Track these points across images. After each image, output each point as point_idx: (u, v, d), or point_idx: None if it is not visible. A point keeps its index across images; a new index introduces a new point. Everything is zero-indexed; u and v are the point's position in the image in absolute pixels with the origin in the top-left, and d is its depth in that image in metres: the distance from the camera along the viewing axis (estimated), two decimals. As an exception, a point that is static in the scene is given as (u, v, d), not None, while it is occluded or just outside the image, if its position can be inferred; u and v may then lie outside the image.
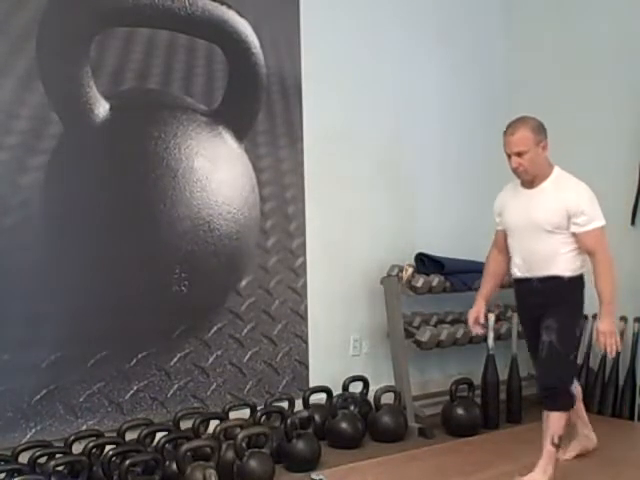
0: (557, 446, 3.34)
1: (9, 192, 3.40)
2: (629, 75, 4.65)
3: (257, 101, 4.12)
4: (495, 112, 5.13)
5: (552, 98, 5.01)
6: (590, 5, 4.84)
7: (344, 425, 3.97)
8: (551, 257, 3.36)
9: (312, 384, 4.25)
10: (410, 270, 4.41)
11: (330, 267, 4.43)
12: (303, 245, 4.28)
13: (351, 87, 4.51)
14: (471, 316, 3.63)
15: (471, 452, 3.93)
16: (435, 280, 4.51)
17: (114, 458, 3.24)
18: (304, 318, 4.29)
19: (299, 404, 4.03)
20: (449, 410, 4.28)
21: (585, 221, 3.29)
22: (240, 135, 4.05)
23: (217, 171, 3.96)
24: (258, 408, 3.88)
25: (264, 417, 3.84)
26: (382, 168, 4.66)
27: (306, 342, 4.30)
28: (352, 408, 4.07)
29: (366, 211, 4.60)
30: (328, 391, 4.14)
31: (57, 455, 3.22)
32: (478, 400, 4.41)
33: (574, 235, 3.32)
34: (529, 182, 3.40)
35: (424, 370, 4.78)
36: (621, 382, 4.56)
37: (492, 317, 4.51)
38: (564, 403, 3.37)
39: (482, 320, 3.64)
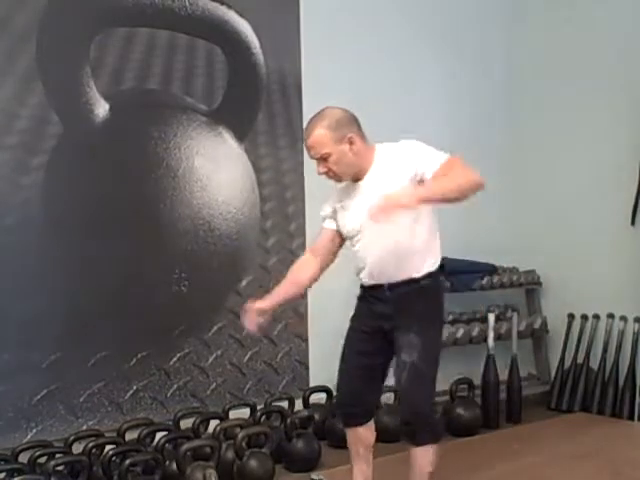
0: None
1: (9, 192, 3.41)
2: (629, 75, 4.65)
3: (257, 101, 4.12)
4: (495, 112, 5.16)
5: (552, 98, 5.02)
6: (590, 5, 4.84)
7: (344, 425, 3.97)
8: (405, 255, 2.82)
9: (312, 384, 4.25)
10: (410, 270, 4.40)
11: (330, 267, 4.42)
12: (303, 245, 4.27)
13: (351, 87, 4.50)
14: (247, 307, 2.94)
15: (471, 452, 3.93)
16: (435, 280, 4.50)
17: (114, 458, 3.24)
18: (304, 318, 4.29)
19: (299, 404, 4.03)
20: (449, 410, 4.28)
21: (432, 160, 2.77)
22: (240, 135, 4.05)
23: (217, 171, 3.96)
24: (258, 408, 3.87)
25: (264, 417, 3.83)
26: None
27: (306, 342, 4.30)
28: (352, 408, 4.07)
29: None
30: (328, 391, 4.13)
31: (57, 455, 3.22)
32: (478, 400, 4.41)
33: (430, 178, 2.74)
34: (355, 177, 2.86)
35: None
36: (621, 382, 4.56)
37: (492, 317, 4.52)
38: (434, 434, 2.89)
39: (256, 318, 2.92)
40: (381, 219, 2.58)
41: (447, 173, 2.76)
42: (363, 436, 3.02)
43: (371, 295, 2.93)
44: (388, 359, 2.99)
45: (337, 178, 2.85)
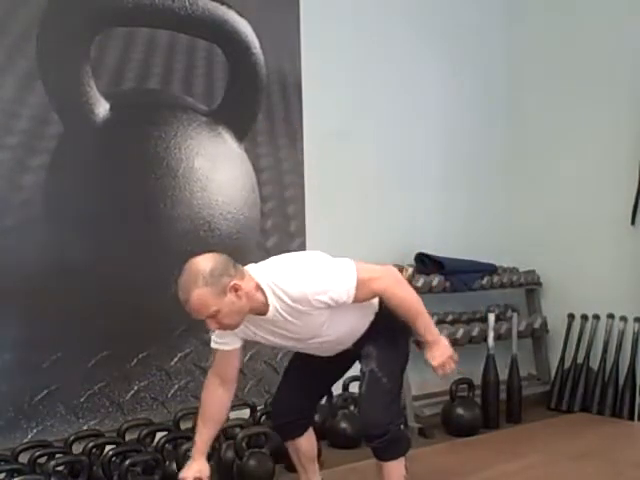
0: None
1: (10, 192, 3.40)
2: (629, 75, 4.65)
3: (257, 101, 4.12)
4: (495, 112, 5.16)
5: (552, 98, 5.02)
6: (591, 5, 4.84)
7: (344, 425, 3.97)
8: (349, 334, 2.74)
9: (312, 384, 4.24)
10: (410, 270, 4.41)
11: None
12: (303, 245, 4.28)
13: (351, 86, 4.51)
14: (190, 477, 2.67)
15: (471, 452, 3.93)
16: (435, 280, 4.51)
17: (114, 458, 3.24)
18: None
19: (299, 404, 4.02)
20: (449, 410, 4.28)
21: (344, 292, 2.54)
22: (240, 135, 4.05)
23: (217, 171, 3.96)
24: (258, 408, 3.87)
25: (264, 417, 3.84)
26: (382, 168, 4.66)
27: (306, 342, 4.30)
28: (352, 408, 4.07)
29: (366, 211, 4.60)
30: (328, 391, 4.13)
31: (57, 455, 3.21)
32: (478, 400, 4.41)
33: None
34: (252, 312, 2.59)
35: (424, 370, 4.76)
36: (621, 382, 4.56)
37: (492, 317, 4.52)
38: (400, 448, 2.75)
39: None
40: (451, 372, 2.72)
41: (369, 297, 2.64)
42: (304, 447, 2.96)
43: None
44: (339, 370, 2.99)
45: (233, 328, 2.59)
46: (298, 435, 2.95)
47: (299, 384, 2.91)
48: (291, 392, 2.92)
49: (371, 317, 2.77)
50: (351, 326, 2.73)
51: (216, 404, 2.77)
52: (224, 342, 2.74)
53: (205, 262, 2.49)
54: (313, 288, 2.53)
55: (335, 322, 2.65)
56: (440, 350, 2.69)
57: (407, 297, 2.65)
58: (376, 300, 2.72)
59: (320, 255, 2.68)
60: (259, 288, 2.55)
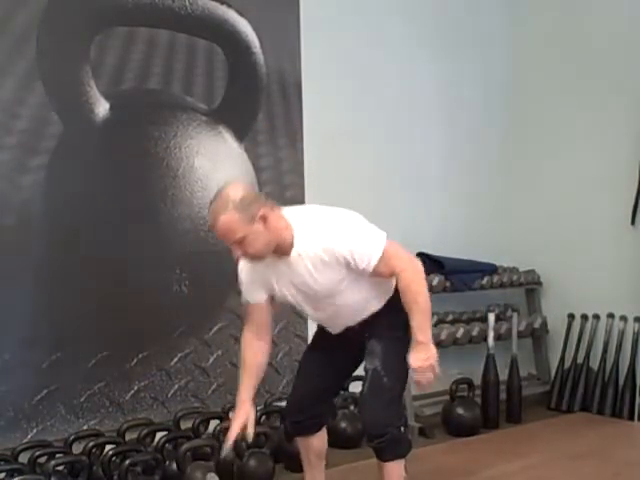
0: None
1: (10, 192, 3.40)
2: (629, 75, 4.65)
3: (257, 101, 4.12)
4: (495, 112, 5.16)
5: (552, 98, 5.02)
6: (591, 5, 4.84)
7: (344, 425, 3.97)
8: (361, 306, 2.75)
9: (312, 384, 4.24)
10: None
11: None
12: (303, 245, 4.29)
13: (351, 86, 4.51)
14: (237, 424, 2.70)
15: (471, 452, 3.93)
16: (435, 280, 4.51)
17: (114, 458, 3.25)
18: (304, 318, 4.28)
19: (299, 404, 4.02)
20: (449, 410, 4.28)
21: (366, 257, 2.60)
22: (240, 134, 4.05)
23: (217, 171, 3.96)
24: (258, 408, 3.87)
25: (264, 417, 3.84)
26: (382, 168, 4.66)
27: (306, 342, 4.29)
28: (352, 408, 4.07)
29: (366, 211, 4.57)
30: (328, 391, 4.13)
31: (57, 455, 3.22)
32: (478, 400, 4.41)
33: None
34: (277, 252, 2.62)
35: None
36: (621, 382, 4.56)
37: (492, 317, 4.52)
38: (400, 449, 2.75)
39: (252, 429, 2.71)
40: (428, 383, 2.66)
41: (387, 274, 2.66)
42: (314, 445, 2.98)
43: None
44: (350, 365, 3.00)
45: (257, 259, 2.61)
46: (312, 433, 2.96)
47: (313, 383, 2.91)
48: (305, 391, 2.92)
49: (383, 299, 2.78)
50: (364, 298, 2.74)
51: (255, 353, 2.79)
52: (251, 297, 2.77)
53: (237, 190, 2.58)
54: (340, 241, 2.58)
55: (351, 287, 2.68)
56: (425, 354, 2.62)
57: (418, 290, 2.65)
58: (392, 285, 2.73)
59: (359, 217, 2.73)
60: (289, 228, 2.61)
